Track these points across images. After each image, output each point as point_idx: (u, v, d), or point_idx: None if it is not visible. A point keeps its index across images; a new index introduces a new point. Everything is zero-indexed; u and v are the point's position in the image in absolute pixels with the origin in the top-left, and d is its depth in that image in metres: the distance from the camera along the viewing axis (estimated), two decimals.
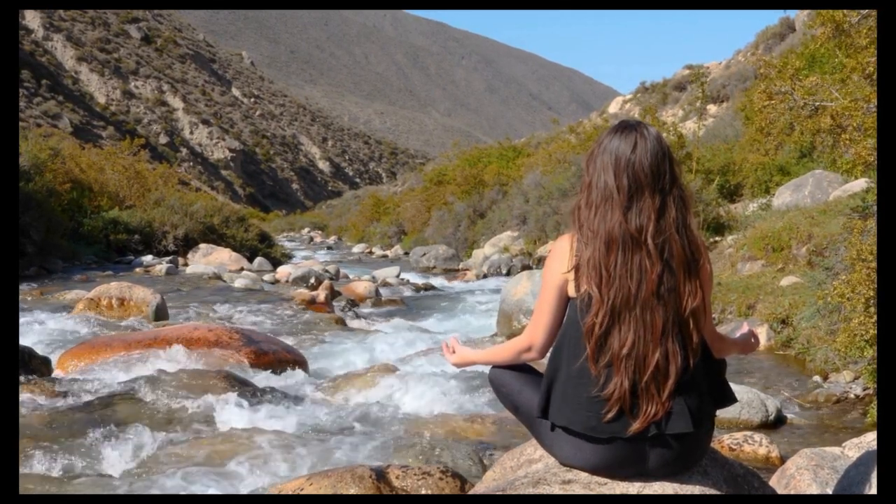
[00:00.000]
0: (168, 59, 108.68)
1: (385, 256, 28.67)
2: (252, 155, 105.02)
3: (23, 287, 11.51)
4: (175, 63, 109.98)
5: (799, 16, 29.78)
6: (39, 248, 15.04)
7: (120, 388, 5.20)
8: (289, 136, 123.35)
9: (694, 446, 2.29)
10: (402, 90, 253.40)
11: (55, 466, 3.93)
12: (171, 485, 3.73)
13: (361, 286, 13.12)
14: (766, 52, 35.53)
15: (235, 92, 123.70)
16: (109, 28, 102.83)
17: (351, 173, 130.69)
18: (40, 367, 6.00)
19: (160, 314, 8.88)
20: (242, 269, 17.27)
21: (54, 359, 6.36)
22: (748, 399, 4.90)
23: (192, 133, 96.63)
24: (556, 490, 2.25)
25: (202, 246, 19.18)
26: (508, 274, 16.35)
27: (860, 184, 9.32)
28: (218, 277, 14.62)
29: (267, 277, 15.38)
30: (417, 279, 16.70)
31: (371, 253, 31.05)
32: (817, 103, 5.28)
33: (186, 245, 19.65)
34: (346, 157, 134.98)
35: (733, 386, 2.46)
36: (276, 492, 3.38)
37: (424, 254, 22.00)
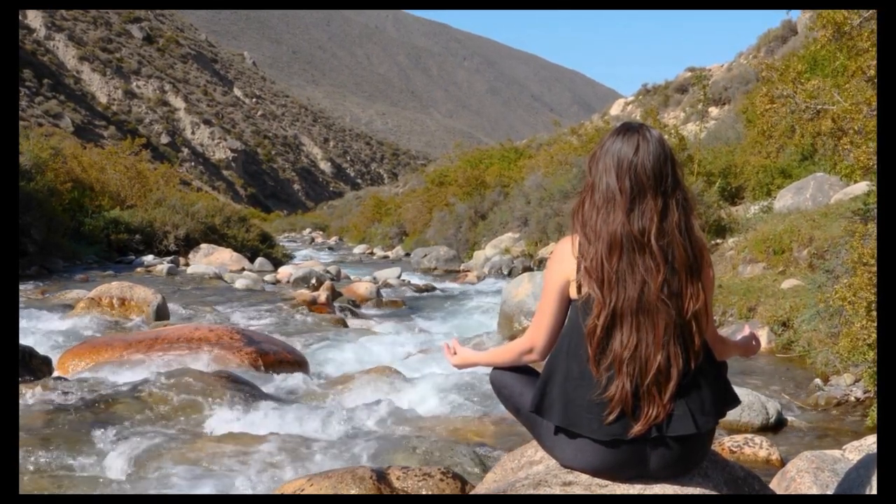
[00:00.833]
0: (170, 59, 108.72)
1: (386, 257, 28.67)
2: (253, 155, 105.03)
3: (23, 286, 11.51)
4: (177, 63, 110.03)
5: (801, 18, 29.77)
6: (40, 247, 15.05)
7: (120, 388, 5.20)
8: (290, 137, 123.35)
9: (695, 449, 2.29)
10: (403, 91, 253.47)
11: (55, 466, 3.93)
12: (172, 485, 3.73)
13: (362, 287, 13.12)
14: (768, 54, 35.53)
15: (237, 92, 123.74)
16: (111, 28, 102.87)
17: (352, 174, 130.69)
18: (41, 366, 6.01)
19: (161, 314, 8.88)
20: (243, 269, 17.28)
21: (55, 359, 6.36)
22: (749, 401, 4.90)
23: (193, 133, 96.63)
24: (557, 492, 2.25)
25: (203, 246, 19.19)
26: (509, 275, 16.35)
27: (861, 187, 9.31)
28: (219, 278, 14.63)
29: (268, 278, 15.39)
30: (418, 280, 16.71)
31: (372, 254, 31.05)
32: (819, 106, 5.28)
33: (187, 245, 19.66)
34: (348, 158, 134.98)
35: (735, 388, 2.46)
36: (276, 492, 3.38)
37: (425, 255, 22.01)
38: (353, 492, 3.23)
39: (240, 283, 13.56)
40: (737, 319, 7.90)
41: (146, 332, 7.11)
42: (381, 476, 3.36)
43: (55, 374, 6.06)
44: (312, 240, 50.78)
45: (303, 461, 4.05)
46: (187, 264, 17.49)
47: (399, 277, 16.64)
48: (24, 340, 6.73)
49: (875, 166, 4.59)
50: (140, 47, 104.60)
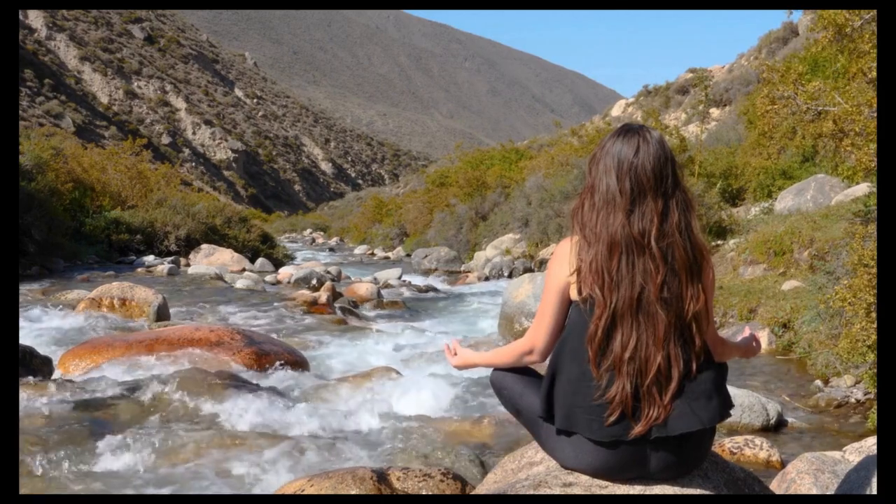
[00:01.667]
0: (171, 60, 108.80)
1: (387, 258, 28.69)
2: (254, 156, 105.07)
3: (24, 286, 11.51)
4: (178, 63, 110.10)
5: (802, 20, 29.77)
6: (41, 247, 15.05)
7: (121, 388, 5.20)
8: (291, 138, 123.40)
9: (695, 450, 2.28)
10: (404, 92, 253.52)
11: (55, 466, 3.93)
12: (172, 485, 3.73)
13: (363, 288, 13.12)
14: (769, 55, 35.54)
15: (238, 93, 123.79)
16: (112, 28, 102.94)
17: (353, 175, 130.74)
18: (41, 366, 6.00)
19: (162, 314, 8.88)
20: (244, 269, 17.27)
21: (55, 359, 6.36)
22: (749, 403, 4.89)
23: (194, 133, 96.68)
24: (557, 492, 2.26)
25: (204, 246, 19.19)
26: (510, 276, 16.36)
27: (862, 188, 9.32)
28: (219, 278, 14.63)
29: (268, 278, 15.39)
30: (419, 281, 16.71)
31: (373, 254, 31.06)
32: (820, 108, 5.28)
33: (188, 245, 19.66)
34: (349, 159, 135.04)
35: (735, 389, 2.47)
36: (276, 493, 3.38)
37: (426, 256, 22.02)
38: (353, 492, 3.23)
39: (240, 284, 13.56)
40: (737, 321, 7.90)
41: (147, 333, 7.11)
42: (381, 476, 3.36)
43: (56, 374, 6.06)
44: (313, 240, 50.79)
45: (303, 461, 4.05)
46: (188, 265, 17.49)
47: (400, 278, 16.64)
48: (25, 340, 6.73)
49: (876, 168, 4.59)
50: (141, 47, 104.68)
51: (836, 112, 4.96)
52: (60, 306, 9.59)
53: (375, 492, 3.26)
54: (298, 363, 6.63)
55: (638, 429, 2.19)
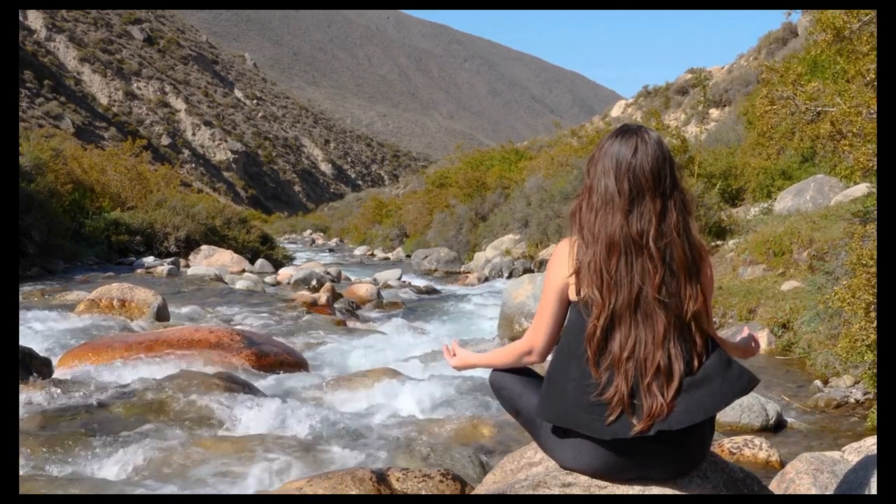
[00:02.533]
0: (170, 61, 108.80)
1: (387, 259, 28.69)
2: (254, 157, 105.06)
3: (24, 287, 11.51)
4: (177, 64, 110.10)
5: (801, 20, 29.77)
6: (41, 248, 15.05)
7: (120, 389, 5.20)
8: (291, 138, 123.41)
9: (694, 450, 2.29)
10: (404, 93, 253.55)
11: (55, 467, 3.94)
12: (171, 485, 3.73)
13: (363, 288, 13.13)
14: (769, 56, 35.56)
15: (238, 94, 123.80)
16: (112, 29, 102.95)
17: (353, 175, 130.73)
18: (41, 368, 6.00)
19: (161, 315, 8.88)
20: (244, 270, 17.28)
21: (55, 360, 6.36)
22: (748, 403, 4.90)
23: (194, 134, 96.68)
24: (556, 493, 2.26)
25: (204, 247, 19.20)
26: (510, 277, 16.35)
27: (861, 189, 9.33)
28: (219, 279, 14.63)
29: (268, 279, 15.39)
30: (419, 282, 16.71)
31: (373, 255, 31.07)
32: (818, 109, 5.29)
33: (188, 246, 19.67)
34: (349, 160, 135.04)
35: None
36: (276, 493, 3.38)
37: (426, 256, 22.01)
38: (352, 493, 3.23)
39: (240, 285, 13.56)
40: (737, 321, 7.90)
41: (146, 334, 7.11)
42: (380, 477, 3.36)
43: (55, 375, 6.06)
44: (313, 241, 50.80)
45: (302, 462, 4.06)
46: (188, 266, 17.50)
47: (399, 279, 16.65)
48: (25, 341, 6.72)
49: (874, 168, 4.60)
50: (141, 49, 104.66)
51: (834, 113, 4.96)
52: (60, 307, 9.59)
53: (375, 492, 3.26)
54: (298, 364, 6.64)
55: (640, 426, 2.18)
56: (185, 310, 10.09)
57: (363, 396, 5.52)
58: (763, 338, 7.10)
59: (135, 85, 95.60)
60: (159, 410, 4.86)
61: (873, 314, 4.30)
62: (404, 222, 32.66)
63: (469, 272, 19.09)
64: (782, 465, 3.98)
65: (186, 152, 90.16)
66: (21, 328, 7.58)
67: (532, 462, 2.63)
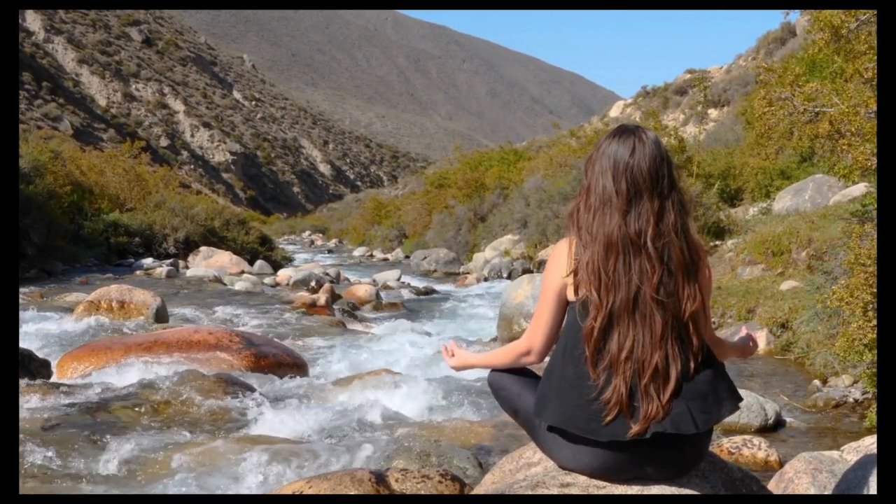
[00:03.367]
0: (169, 62, 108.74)
1: (386, 260, 28.70)
2: (253, 158, 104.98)
3: (23, 289, 11.51)
4: (176, 66, 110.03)
5: (799, 20, 29.80)
6: (40, 250, 15.05)
7: (120, 391, 5.20)
8: (290, 139, 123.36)
9: (693, 450, 2.29)
10: (403, 93, 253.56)
11: (55, 468, 3.94)
12: (171, 487, 3.73)
13: (362, 289, 13.13)
14: (767, 56, 35.58)
15: (236, 95, 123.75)
16: (110, 30, 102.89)
17: (352, 176, 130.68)
18: (40, 369, 6.01)
19: (160, 317, 8.88)
20: (243, 272, 17.29)
21: (54, 361, 6.36)
22: (747, 403, 4.90)
23: (192, 136, 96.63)
24: (555, 493, 2.26)
25: (203, 249, 19.20)
26: (509, 277, 16.36)
27: (860, 188, 9.33)
28: (218, 280, 14.64)
29: (267, 280, 15.41)
30: (418, 283, 16.72)
31: (372, 256, 31.08)
32: (817, 109, 5.29)
33: (187, 248, 19.69)
34: (348, 161, 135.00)
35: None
36: (275, 494, 3.38)
37: (425, 257, 22.02)
38: (351, 493, 3.23)
39: (239, 286, 13.56)
40: (736, 321, 7.91)
41: (145, 335, 7.11)
42: (379, 478, 3.37)
43: (54, 376, 6.06)
44: (312, 242, 50.82)
45: (301, 463, 4.06)
46: (187, 267, 17.50)
47: (398, 280, 16.65)
48: (24, 343, 6.73)
49: (873, 167, 4.60)
50: (139, 50, 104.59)
51: (832, 113, 4.97)
52: (59, 309, 9.60)
53: (374, 493, 3.26)
54: (297, 365, 6.64)
55: (636, 428, 2.19)
56: (184, 311, 10.09)
57: (362, 397, 5.51)
58: (762, 338, 7.11)
59: (133, 86, 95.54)
60: (158, 412, 4.86)
61: (871, 314, 4.30)
62: (403, 223, 32.67)
63: (468, 273, 19.09)
64: (781, 464, 3.98)
65: (185, 153, 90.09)
66: (20, 330, 7.58)
67: (531, 462, 2.63)
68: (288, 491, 3.31)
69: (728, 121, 26.03)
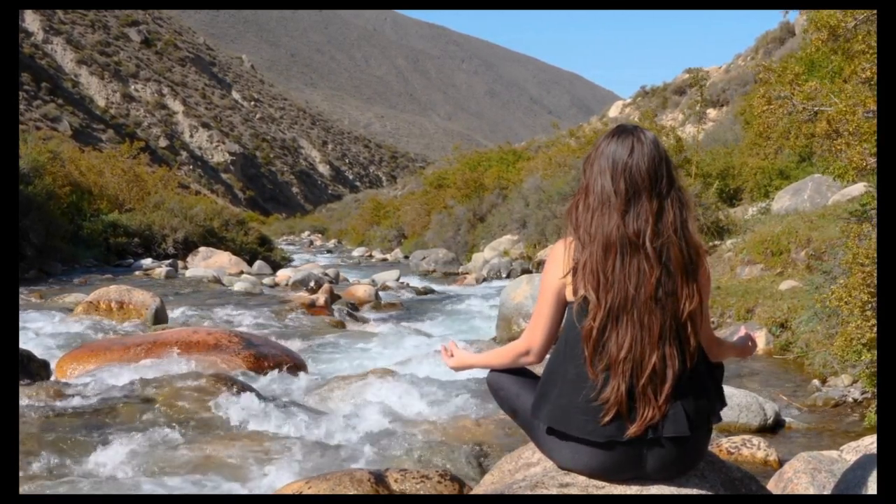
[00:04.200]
0: (168, 63, 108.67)
1: (385, 260, 28.69)
2: (252, 158, 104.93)
3: (22, 290, 11.51)
4: (175, 66, 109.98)
5: (798, 20, 29.82)
6: (39, 251, 15.06)
7: (119, 391, 5.20)
8: (289, 140, 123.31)
9: (692, 450, 2.29)
10: (402, 94, 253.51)
11: (55, 468, 3.94)
12: (170, 486, 3.73)
13: (361, 290, 13.13)
14: (766, 56, 35.59)
15: (235, 95, 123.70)
16: (109, 31, 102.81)
17: (351, 177, 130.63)
18: (39, 370, 6.01)
19: (159, 317, 8.88)
20: (242, 272, 17.28)
21: (53, 362, 6.36)
22: (747, 403, 4.90)
23: (191, 136, 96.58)
24: (554, 493, 2.26)
25: (202, 249, 19.20)
26: (508, 277, 16.36)
27: (859, 188, 9.33)
28: (217, 281, 14.64)
29: (266, 281, 15.40)
30: (417, 283, 16.72)
31: (371, 256, 31.06)
32: (816, 108, 5.29)
33: (186, 248, 19.69)
34: (347, 161, 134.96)
35: (732, 389, 2.48)
36: (275, 494, 3.38)
37: (424, 257, 22.01)
38: (351, 493, 3.23)
39: (238, 286, 13.56)
40: (735, 321, 7.91)
41: (144, 336, 7.11)
42: (379, 478, 3.37)
43: (54, 377, 6.06)
44: (311, 242, 50.81)
45: (301, 463, 4.06)
46: (186, 267, 17.50)
47: (398, 280, 16.65)
48: (23, 344, 6.73)
49: (869, 167, 4.60)
50: (138, 50, 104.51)
51: (830, 112, 4.97)
52: (58, 310, 9.59)
53: (373, 493, 3.26)
54: (297, 365, 6.64)
55: (633, 429, 2.19)
56: (183, 311, 10.09)
57: (361, 397, 5.51)
58: (761, 337, 7.11)
59: (132, 87, 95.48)
60: (158, 412, 4.86)
61: (870, 313, 4.31)
62: (402, 223, 32.67)
63: (467, 273, 19.09)
64: (780, 464, 3.98)
65: (184, 154, 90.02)
66: (20, 330, 7.58)
67: (530, 462, 2.63)
68: (287, 491, 3.32)
69: (727, 120, 26.06)
